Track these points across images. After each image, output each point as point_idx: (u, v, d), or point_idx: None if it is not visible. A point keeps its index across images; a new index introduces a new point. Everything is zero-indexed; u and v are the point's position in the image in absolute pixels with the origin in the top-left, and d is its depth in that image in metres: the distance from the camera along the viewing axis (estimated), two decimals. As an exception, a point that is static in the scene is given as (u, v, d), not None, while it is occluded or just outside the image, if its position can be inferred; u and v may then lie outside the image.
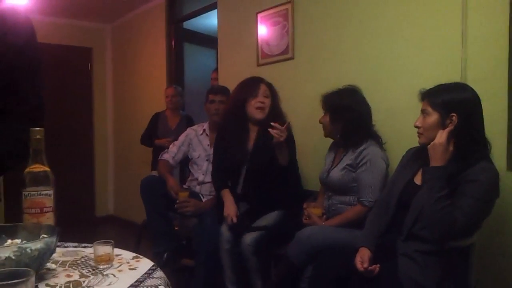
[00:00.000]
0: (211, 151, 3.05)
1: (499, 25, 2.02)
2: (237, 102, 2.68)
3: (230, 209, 2.58)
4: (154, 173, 3.82)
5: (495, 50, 2.04)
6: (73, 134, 5.56)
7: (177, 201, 2.83)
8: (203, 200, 3.00)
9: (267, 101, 2.63)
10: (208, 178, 3.03)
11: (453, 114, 1.67)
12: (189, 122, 4.18)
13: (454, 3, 2.18)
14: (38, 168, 1.40)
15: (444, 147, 1.65)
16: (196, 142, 3.15)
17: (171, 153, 3.17)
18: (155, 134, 4.27)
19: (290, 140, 2.55)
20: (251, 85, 2.67)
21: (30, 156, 1.40)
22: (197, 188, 3.07)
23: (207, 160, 3.06)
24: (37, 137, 1.42)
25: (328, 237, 2.13)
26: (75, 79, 5.61)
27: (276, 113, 2.62)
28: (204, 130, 3.16)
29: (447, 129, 1.67)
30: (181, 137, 3.22)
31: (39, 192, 1.38)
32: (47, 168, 1.43)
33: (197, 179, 3.08)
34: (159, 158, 3.23)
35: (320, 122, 2.43)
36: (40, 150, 1.42)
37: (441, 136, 1.66)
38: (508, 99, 2.00)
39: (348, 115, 2.28)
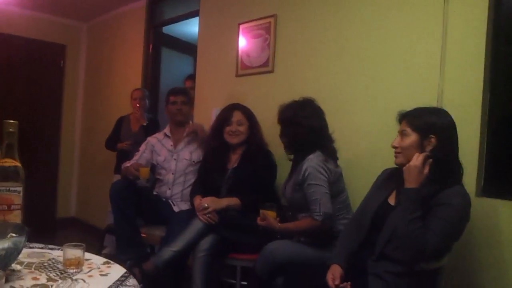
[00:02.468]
0: (176, 149, 3.09)
1: (476, 54, 2.08)
2: (215, 128, 2.82)
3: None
4: (117, 177, 3.73)
5: (471, 77, 2.10)
6: (39, 131, 5.36)
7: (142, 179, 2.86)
8: (174, 207, 2.95)
9: (241, 128, 2.75)
10: (178, 179, 3.03)
11: (432, 136, 1.71)
12: (153, 124, 4.09)
13: (434, 29, 2.24)
14: (9, 162, 1.35)
15: (419, 170, 1.67)
16: (160, 147, 3.15)
17: (133, 161, 3.13)
18: (119, 138, 4.19)
19: (268, 167, 2.69)
20: (226, 112, 2.80)
21: (2, 149, 1.34)
22: (168, 193, 3.03)
23: (174, 159, 3.06)
24: (10, 130, 1.36)
25: (291, 253, 2.16)
26: (46, 76, 5.43)
27: (254, 138, 2.75)
28: (165, 134, 3.19)
29: (424, 153, 1.70)
30: (142, 146, 3.22)
31: (7, 188, 1.32)
32: (18, 164, 1.37)
33: (167, 182, 3.05)
34: (122, 167, 3.16)
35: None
36: (13, 144, 1.37)
37: (417, 159, 1.69)
38: (481, 126, 2.07)
39: (291, 129, 2.28)
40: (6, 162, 1.35)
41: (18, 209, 1.33)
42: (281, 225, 2.28)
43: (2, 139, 1.37)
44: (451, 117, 1.77)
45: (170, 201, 3.00)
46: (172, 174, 3.04)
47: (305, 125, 2.25)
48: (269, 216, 2.28)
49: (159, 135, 3.24)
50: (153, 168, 3.12)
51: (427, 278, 1.73)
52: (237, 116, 2.75)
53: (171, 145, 3.13)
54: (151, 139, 3.22)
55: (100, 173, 5.01)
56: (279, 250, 2.16)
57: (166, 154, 3.10)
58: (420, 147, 1.73)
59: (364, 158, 2.44)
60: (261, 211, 2.34)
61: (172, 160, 3.07)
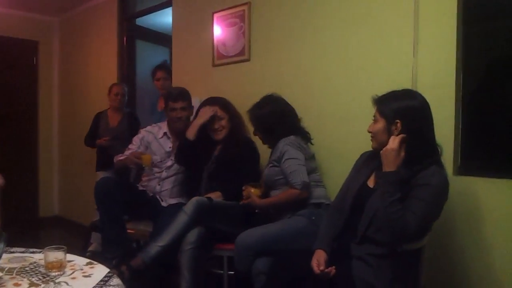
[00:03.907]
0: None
1: (448, 37, 2.11)
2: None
3: None
4: (100, 174, 3.69)
5: (444, 60, 2.13)
6: (16, 130, 5.29)
7: (144, 167, 2.90)
8: (162, 202, 2.93)
9: (223, 122, 2.76)
10: (171, 177, 3.00)
11: (397, 120, 1.73)
12: (132, 118, 4.05)
13: (406, 10, 2.26)
14: (-17, 169, 1.32)
15: (396, 153, 1.69)
16: (157, 146, 3.04)
17: (125, 155, 3.02)
18: (97, 134, 4.12)
19: (251, 155, 2.73)
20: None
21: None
22: (157, 188, 2.98)
23: (171, 159, 2.98)
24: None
25: (259, 235, 2.26)
26: (20, 73, 5.34)
27: (236, 128, 2.78)
28: (164, 133, 3.06)
29: (400, 136, 1.72)
30: (135, 140, 3.08)
31: (-17, 195, 1.30)
32: (-7, 169, 1.34)
33: (158, 177, 2.99)
34: (114, 160, 3.09)
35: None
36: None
37: (393, 142, 1.71)
38: (455, 107, 2.10)
39: (261, 125, 2.50)
40: (-20, 168, 1.32)
41: (-5, 215, 1.30)
42: (261, 200, 2.39)
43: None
44: (421, 99, 1.78)
45: (158, 196, 2.97)
46: (165, 172, 2.99)
47: (270, 118, 2.45)
48: (252, 194, 2.39)
49: (155, 130, 3.09)
50: None
51: (409, 259, 1.76)
52: (217, 111, 2.76)
53: (170, 147, 3.02)
54: (147, 135, 3.07)
55: (82, 170, 4.96)
56: (249, 236, 2.25)
57: (163, 155, 3.01)
58: (388, 132, 1.76)
59: (339, 142, 2.47)
60: (245, 188, 2.42)
61: (169, 160, 3.00)
